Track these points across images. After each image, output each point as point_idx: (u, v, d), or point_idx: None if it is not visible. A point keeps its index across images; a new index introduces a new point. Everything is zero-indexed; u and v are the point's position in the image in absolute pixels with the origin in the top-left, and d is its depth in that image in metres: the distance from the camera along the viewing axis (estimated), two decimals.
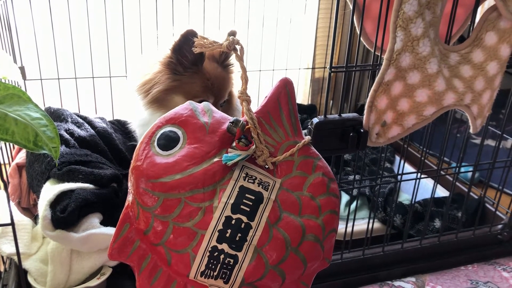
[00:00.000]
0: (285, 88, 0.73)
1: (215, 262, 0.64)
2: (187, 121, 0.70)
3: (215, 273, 0.64)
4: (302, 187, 0.70)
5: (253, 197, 0.67)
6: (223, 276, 0.64)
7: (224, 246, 0.64)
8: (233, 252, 0.64)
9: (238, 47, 0.72)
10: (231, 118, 0.71)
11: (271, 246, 0.66)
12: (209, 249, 0.64)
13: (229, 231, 0.64)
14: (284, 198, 0.69)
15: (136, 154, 0.68)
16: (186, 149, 0.68)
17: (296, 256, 0.67)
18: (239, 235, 0.65)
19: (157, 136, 0.69)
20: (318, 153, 0.74)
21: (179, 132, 0.69)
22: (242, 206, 0.66)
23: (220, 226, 0.64)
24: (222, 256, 0.64)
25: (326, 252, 0.71)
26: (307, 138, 0.73)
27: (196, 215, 0.65)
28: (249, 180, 0.68)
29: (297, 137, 0.73)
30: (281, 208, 0.68)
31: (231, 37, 0.71)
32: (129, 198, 0.68)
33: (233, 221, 0.65)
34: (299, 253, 0.67)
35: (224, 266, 0.64)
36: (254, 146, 0.69)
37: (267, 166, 0.71)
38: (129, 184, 0.69)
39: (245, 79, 0.73)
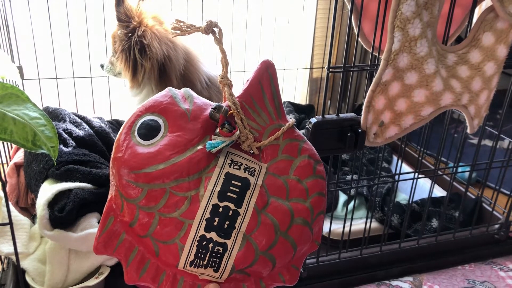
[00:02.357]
0: (267, 70, 0.72)
1: (204, 251, 0.64)
2: (168, 108, 0.68)
3: (205, 262, 0.64)
4: (289, 171, 0.70)
5: (239, 184, 0.66)
6: (213, 264, 0.64)
7: (213, 235, 0.64)
8: (222, 240, 0.64)
9: (216, 29, 0.70)
10: (213, 104, 0.70)
11: (260, 232, 0.65)
12: (197, 238, 0.64)
13: (216, 219, 0.64)
14: (271, 182, 0.68)
15: (116, 145, 0.67)
16: (168, 138, 0.66)
17: (285, 241, 0.67)
18: (227, 222, 0.64)
19: (137, 126, 0.67)
20: (302, 135, 0.74)
21: (160, 121, 0.68)
22: (229, 193, 0.65)
23: (207, 215, 0.64)
24: (211, 245, 0.64)
25: (315, 235, 0.71)
26: (291, 120, 0.72)
27: (182, 204, 0.64)
28: (235, 167, 0.67)
29: (281, 120, 0.72)
30: (268, 193, 0.68)
31: (209, 19, 0.69)
32: (112, 190, 0.68)
33: (221, 209, 0.64)
34: (288, 237, 0.67)
35: (214, 254, 0.64)
36: (238, 132, 0.68)
37: (252, 151, 0.70)
38: (111, 176, 0.68)
39: (225, 63, 0.71)
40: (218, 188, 0.65)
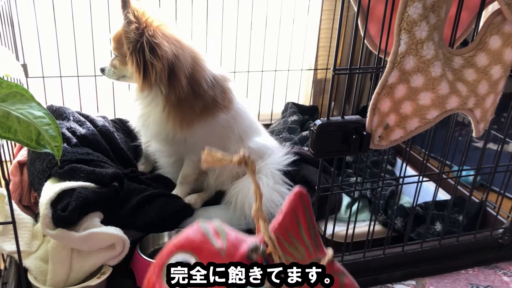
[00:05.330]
0: (301, 201, 0.69)
1: None
2: (201, 247, 0.66)
3: None
4: None
5: None
6: None
7: None
8: None
9: (249, 162, 0.68)
10: (249, 243, 0.67)
11: None
12: None
13: None
14: None
15: (146, 284, 0.65)
16: None
17: None
18: None
19: None
20: (342, 268, 0.71)
21: (192, 260, 0.65)
22: None
23: None
24: None
25: None
26: (330, 253, 0.69)
27: None
28: None
29: (319, 253, 0.69)
30: None
31: (242, 153, 0.67)
32: None
33: None
34: None
35: None
36: None
37: None
38: None
39: (259, 196, 0.68)
40: None
